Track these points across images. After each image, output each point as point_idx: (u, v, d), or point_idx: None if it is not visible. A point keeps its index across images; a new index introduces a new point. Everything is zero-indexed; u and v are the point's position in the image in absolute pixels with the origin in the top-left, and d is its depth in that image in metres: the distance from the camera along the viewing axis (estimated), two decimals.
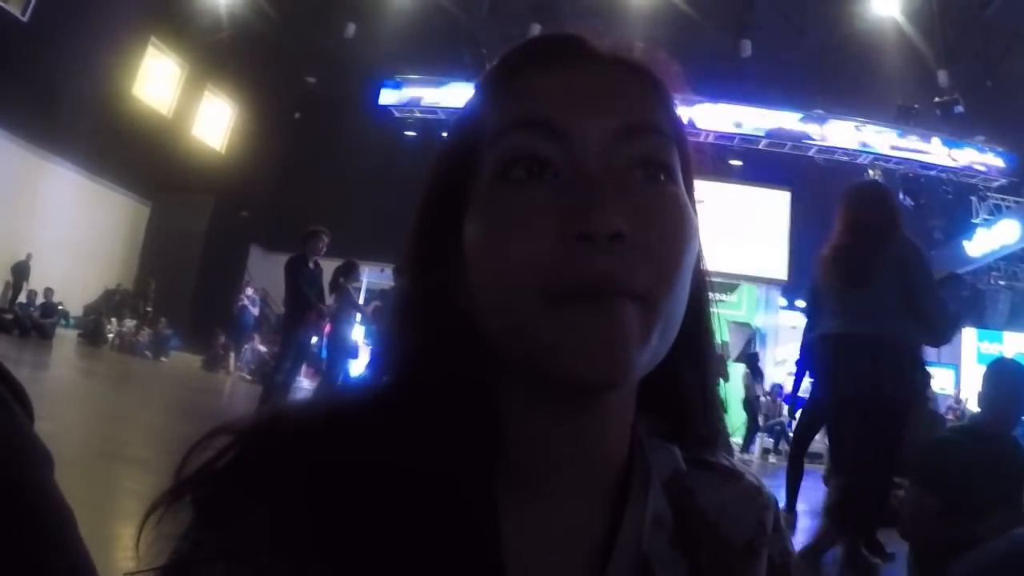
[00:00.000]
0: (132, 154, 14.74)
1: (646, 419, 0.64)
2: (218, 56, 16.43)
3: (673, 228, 0.55)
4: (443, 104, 16.29)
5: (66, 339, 13.95)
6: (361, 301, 9.60)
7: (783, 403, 13.77)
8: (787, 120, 15.84)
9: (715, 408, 0.68)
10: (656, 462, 0.63)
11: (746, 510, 0.65)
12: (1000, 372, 3.32)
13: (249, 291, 15.29)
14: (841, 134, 16.64)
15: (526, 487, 0.58)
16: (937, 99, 15.37)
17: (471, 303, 0.57)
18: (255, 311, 15.41)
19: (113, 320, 14.84)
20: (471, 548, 0.53)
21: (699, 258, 0.61)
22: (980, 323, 18.36)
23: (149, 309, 15.13)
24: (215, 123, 18.18)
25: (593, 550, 0.59)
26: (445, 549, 0.52)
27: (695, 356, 0.65)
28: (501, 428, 0.58)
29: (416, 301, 0.61)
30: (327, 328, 8.66)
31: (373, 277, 11.67)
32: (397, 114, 16.74)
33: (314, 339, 9.32)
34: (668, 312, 0.54)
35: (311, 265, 7.73)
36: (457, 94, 15.91)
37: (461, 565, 0.52)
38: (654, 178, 0.56)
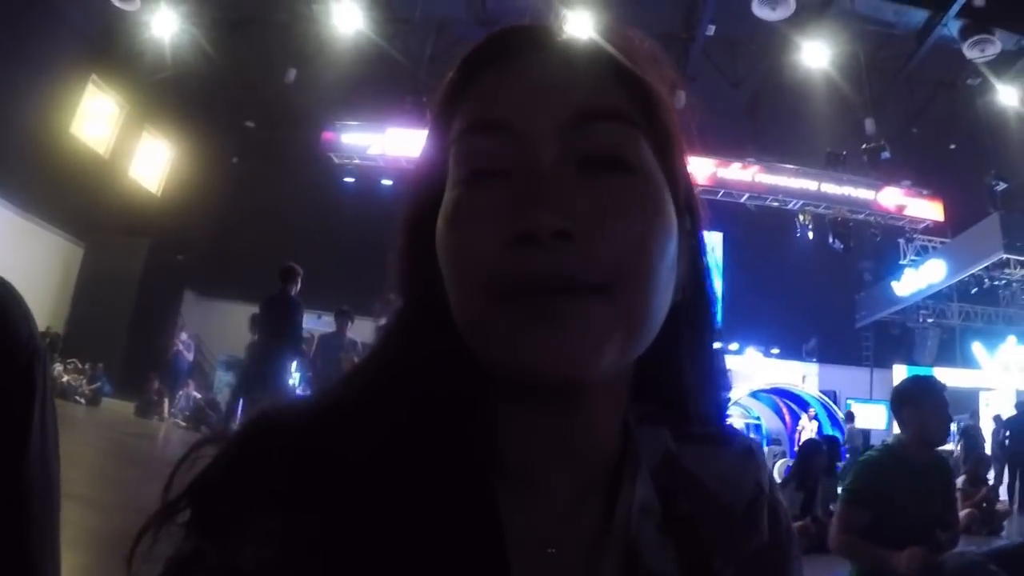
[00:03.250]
0: (67, 193, 14.30)
1: (638, 406, 0.63)
2: (158, 97, 16.17)
3: (633, 218, 0.53)
4: (383, 151, 16.31)
5: None
6: None
7: None
8: (720, 168, 16.23)
9: (716, 380, 0.67)
10: (645, 449, 0.62)
11: (743, 474, 0.65)
12: (912, 390, 3.37)
13: (184, 336, 15.00)
14: (773, 181, 17.11)
15: (521, 482, 0.58)
16: (865, 146, 15.85)
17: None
18: (190, 356, 15.10)
19: None
20: (475, 545, 0.53)
21: (694, 232, 0.61)
22: (910, 360, 18.86)
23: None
24: (152, 164, 17.83)
25: (589, 541, 0.59)
26: (449, 547, 0.52)
27: (692, 332, 0.64)
28: (494, 423, 0.58)
29: (407, 307, 0.61)
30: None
31: (310, 323, 11.59)
32: (336, 160, 16.73)
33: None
34: (638, 303, 0.53)
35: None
36: (397, 141, 15.92)
37: (466, 562, 0.52)
38: (612, 167, 0.54)
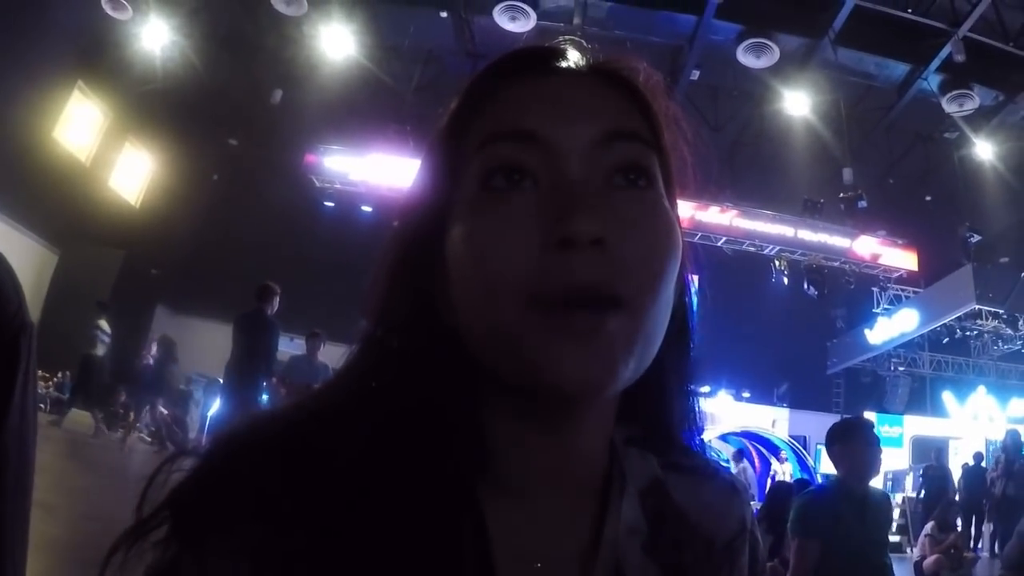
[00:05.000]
0: (45, 198, 14.10)
1: (623, 428, 0.64)
2: (142, 108, 16.05)
3: (654, 234, 0.55)
4: (364, 178, 16.27)
5: None
6: None
7: None
8: (698, 211, 16.37)
9: (697, 413, 0.68)
10: (632, 472, 0.63)
11: (726, 508, 0.67)
12: (841, 430, 3.59)
13: (154, 351, 14.73)
14: (750, 226, 17.25)
15: (510, 495, 0.58)
16: (842, 194, 16.01)
17: (455, 316, 0.57)
18: None
19: None
20: (460, 556, 0.53)
21: (683, 266, 0.61)
22: (880, 407, 19.01)
23: None
24: (132, 175, 17.63)
25: (576, 558, 0.59)
26: (437, 561, 0.51)
27: (679, 362, 0.65)
28: (484, 437, 0.58)
29: (403, 317, 0.60)
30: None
31: (283, 346, 11.51)
32: (318, 184, 16.65)
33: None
34: (652, 321, 0.54)
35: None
36: (379, 168, 15.97)
37: (452, 573, 0.52)
38: (635, 184, 0.57)
